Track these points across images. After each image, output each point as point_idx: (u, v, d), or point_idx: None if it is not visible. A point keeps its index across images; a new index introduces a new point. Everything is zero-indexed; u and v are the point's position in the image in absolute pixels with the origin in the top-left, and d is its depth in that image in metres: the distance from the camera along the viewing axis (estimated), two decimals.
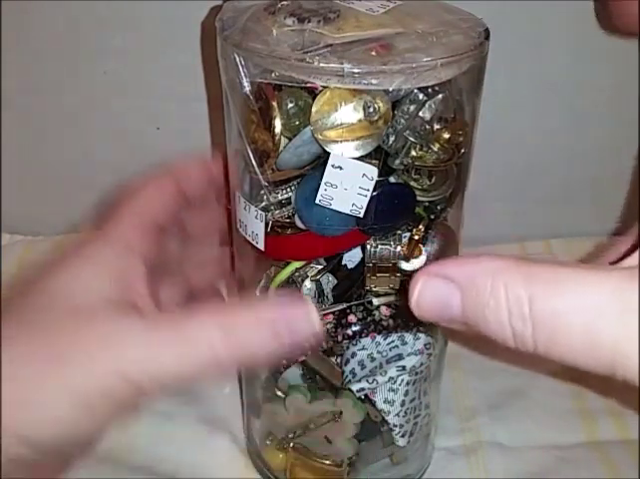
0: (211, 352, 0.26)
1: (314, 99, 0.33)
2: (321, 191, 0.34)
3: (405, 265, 0.38)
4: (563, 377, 0.52)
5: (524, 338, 0.21)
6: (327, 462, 0.43)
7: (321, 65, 0.31)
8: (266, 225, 0.37)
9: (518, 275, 0.21)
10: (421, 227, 0.37)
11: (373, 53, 0.32)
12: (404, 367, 0.39)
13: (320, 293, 0.39)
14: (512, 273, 0.21)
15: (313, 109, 0.33)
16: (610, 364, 0.19)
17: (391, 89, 0.32)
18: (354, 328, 0.39)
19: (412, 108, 0.33)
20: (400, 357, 0.40)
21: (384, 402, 0.40)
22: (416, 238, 0.37)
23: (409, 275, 0.39)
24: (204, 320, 0.27)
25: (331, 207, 0.34)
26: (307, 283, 0.39)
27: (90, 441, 0.27)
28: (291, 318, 0.27)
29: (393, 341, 0.40)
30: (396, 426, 0.41)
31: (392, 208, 0.35)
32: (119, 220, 0.31)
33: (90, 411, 0.26)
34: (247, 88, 0.34)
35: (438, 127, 0.35)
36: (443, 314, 0.23)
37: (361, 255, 0.39)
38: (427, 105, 0.34)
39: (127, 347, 0.26)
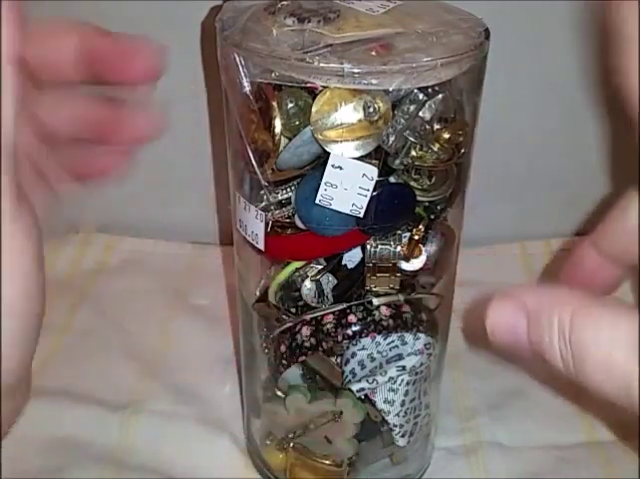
0: None
1: (314, 99, 0.33)
2: (321, 191, 0.34)
3: (405, 265, 0.38)
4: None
5: (569, 368, 0.22)
6: (327, 462, 0.43)
7: (321, 65, 0.31)
8: (266, 225, 0.37)
9: (570, 307, 0.22)
10: (421, 227, 0.37)
11: (373, 53, 0.32)
12: (404, 367, 0.39)
13: (320, 293, 0.40)
14: (567, 308, 0.22)
15: (313, 109, 0.33)
16: (626, 392, 0.20)
17: (391, 89, 0.32)
18: (354, 328, 0.39)
19: (412, 108, 0.33)
20: (400, 357, 0.40)
21: (384, 402, 0.40)
22: (416, 237, 0.37)
23: (408, 275, 0.39)
24: None
25: (331, 207, 0.34)
26: (307, 283, 0.40)
27: None
28: None
29: (393, 341, 0.40)
30: (396, 426, 0.41)
31: (392, 208, 0.35)
32: None
33: None
34: (247, 88, 0.34)
35: (438, 127, 0.35)
36: (512, 341, 0.24)
37: (361, 255, 0.39)
38: (427, 105, 0.34)
39: None
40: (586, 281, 0.34)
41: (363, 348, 0.39)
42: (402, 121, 0.34)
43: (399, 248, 0.37)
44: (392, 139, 0.34)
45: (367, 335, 0.39)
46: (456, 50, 0.32)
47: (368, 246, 0.37)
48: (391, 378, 0.39)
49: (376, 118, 0.33)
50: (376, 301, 0.39)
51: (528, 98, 0.61)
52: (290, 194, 0.37)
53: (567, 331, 0.21)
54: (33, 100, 0.26)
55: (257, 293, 0.43)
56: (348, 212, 0.34)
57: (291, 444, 0.43)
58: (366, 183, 0.34)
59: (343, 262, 0.39)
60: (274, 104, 0.34)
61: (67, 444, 0.48)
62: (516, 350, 0.24)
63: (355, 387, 0.39)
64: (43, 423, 0.49)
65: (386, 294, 0.39)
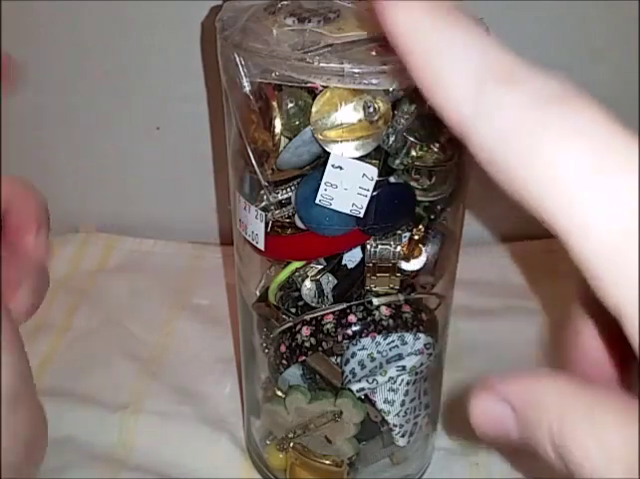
0: None
1: (314, 99, 0.33)
2: (321, 191, 0.34)
3: (405, 265, 0.38)
4: None
5: (563, 471, 0.20)
6: (327, 462, 0.43)
7: (321, 65, 0.31)
8: (266, 225, 0.37)
9: (557, 411, 0.19)
10: (421, 227, 0.37)
11: (373, 53, 0.32)
12: (404, 367, 0.39)
13: (320, 293, 0.39)
14: (555, 408, 0.20)
15: (313, 109, 0.33)
16: None
17: (391, 89, 0.32)
18: (354, 328, 0.39)
19: (412, 108, 0.33)
20: (400, 357, 0.40)
21: (384, 402, 0.40)
22: (416, 237, 0.37)
23: (408, 275, 0.39)
24: None
25: (331, 207, 0.34)
26: (307, 283, 0.39)
27: None
28: None
29: (393, 341, 0.40)
30: (396, 426, 0.41)
31: (392, 208, 0.35)
32: None
33: None
34: (247, 88, 0.34)
35: (438, 127, 0.35)
36: (502, 435, 0.22)
37: (361, 255, 0.39)
38: (427, 105, 0.34)
39: None
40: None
41: (363, 348, 0.39)
42: (402, 121, 0.34)
43: (399, 248, 0.37)
44: (392, 139, 0.34)
45: (367, 335, 0.39)
46: None
47: (368, 246, 0.37)
48: (391, 378, 0.39)
49: (376, 118, 0.33)
50: (376, 301, 0.39)
51: None
52: (290, 194, 0.37)
53: (556, 441, 0.19)
54: None
55: (257, 293, 0.43)
56: (348, 212, 0.34)
57: (291, 444, 0.43)
58: (366, 183, 0.34)
59: (343, 262, 0.39)
60: (274, 104, 0.34)
61: (67, 444, 0.48)
62: (509, 443, 0.22)
63: (355, 387, 0.39)
64: None
65: (386, 294, 0.39)
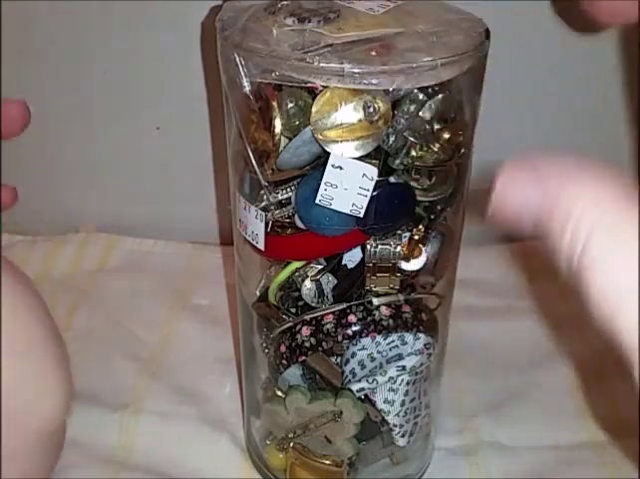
0: None
1: (314, 99, 0.33)
2: (321, 191, 0.34)
3: (405, 265, 0.38)
4: None
5: (572, 274, 0.19)
6: (327, 462, 0.43)
7: (321, 65, 0.31)
8: (266, 225, 0.37)
9: (596, 207, 0.18)
10: (421, 227, 0.37)
11: (373, 53, 0.32)
12: (404, 367, 0.39)
13: (320, 293, 0.39)
14: (594, 203, 0.18)
15: (313, 109, 0.33)
16: (611, 314, 0.17)
17: (391, 89, 0.32)
18: (354, 328, 0.39)
19: (412, 108, 0.33)
20: (400, 357, 0.40)
21: (384, 402, 0.40)
22: (416, 237, 0.37)
23: (408, 275, 0.39)
24: None
25: (331, 207, 0.34)
26: (307, 283, 0.39)
27: None
28: None
29: (393, 341, 0.40)
30: (396, 426, 0.41)
31: (392, 208, 0.35)
32: None
33: None
34: (247, 88, 0.34)
35: (438, 127, 0.35)
36: (517, 217, 0.20)
37: (361, 255, 0.39)
38: (427, 105, 0.34)
39: None
40: None
41: (363, 348, 0.39)
42: (402, 121, 0.34)
43: (399, 248, 0.37)
44: (392, 139, 0.34)
45: (367, 335, 0.39)
46: (456, 50, 0.32)
47: (368, 246, 0.37)
48: (391, 378, 0.39)
49: (376, 118, 0.33)
50: (376, 301, 0.39)
51: (528, 98, 0.61)
52: (290, 194, 0.37)
53: (582, 241, 0.18)
54: None
55: (257, 293, 0.43)
56: (348, 212, 0.34)
57: (291, 444, 0.43)
58: (366, 183, 0.34)
59: (343, 262, 0.39)
60: (274, 104, 0.34)
61: (67, 444, 0.48)
62: (516, 228, 0.20)
63: (355, 387, 0.39)
64: None
65: (386, 294, 0.39)
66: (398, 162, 0.35)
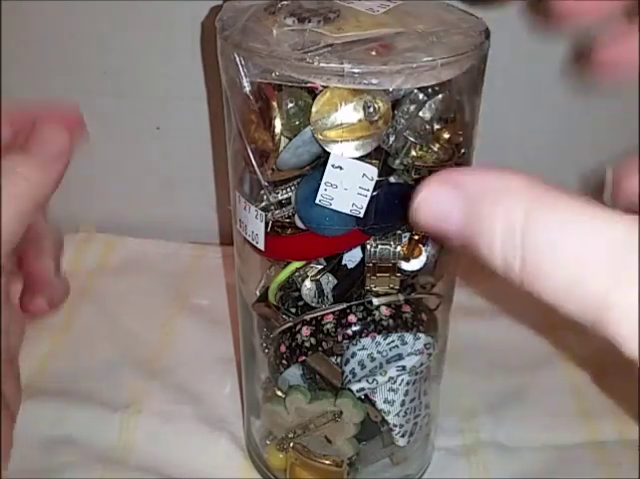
0: None
1: (314, 99, 0.33)
2: (321, 191, 0.34)
3: (405, 265, 0.38)
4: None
5: (512, 271, 0.19)
6: (327, 462, 0.43)
7: (321, 65, 0.31)
8: (266, 225, 0.37)
9: (522, 202, 0.18)
10: None
11: (373, 53, 0.32)
12: (404, 367, 0.39)
13: (320, 293, 0.39)
14: (518, 197, 0.19)
15: (313, 109, 0.33)
16: (594, 314, 0.17)
17: (391, 89, 0.32)
18: (354, 328, 0.39)
19: (412, 108, 0.33)
20: (400, 357, 0.40)
21: (384, 402, 0.40)
22: (416, 238, 0.37)
23: (408, 275, 0.39)
24: None
25: (331, 207, 0.34)
26: (307, 283, 0.40)
27: None
28: None
29: (393, 341, 0.40)
30: (396, 426, 0.41)
31: (392, 208, 0.35)
32: None
33: None
34: (247, 88, 0.34)
35: (438, 127, 0.35)
36: (439, 224, 0.21)
37: (361, 255, 0.39)
38: (427, 105, 0.34)
39: None
40: None
41: (363, 348, 0.39)
42: (402, 121, 0.34)
43: (399, 248, 0.37)
44: (392, 139, 0.34)
45: (367, 335, 0.39)
46: (456, 50, 0.32)
47: (368, 246, 0.37)
48: (391, 378, 0.39)
49: (376, 118, 0.33)
50: (376, 301, 0.39)
51: (528, 98, 0.61)
52: (290, 194, 0.37)
53: (519, 229, 0.18)
54: None
55: (257, 293, 0.43)
56: (348, 212, 0.34)
57: (291, 444, 0.43)
58: (366, 183, 0.34)
59: (343, 262, 0.39)
60: (274, 104, 0.34)
61: (67, 444, 0.48)
62: (441, 236, 0.21)
63: (355, 387, 0.39)
64: (43, 423, 0.49)
65: (386, 294, 0.39)
66: (398, 162, 0.35)
